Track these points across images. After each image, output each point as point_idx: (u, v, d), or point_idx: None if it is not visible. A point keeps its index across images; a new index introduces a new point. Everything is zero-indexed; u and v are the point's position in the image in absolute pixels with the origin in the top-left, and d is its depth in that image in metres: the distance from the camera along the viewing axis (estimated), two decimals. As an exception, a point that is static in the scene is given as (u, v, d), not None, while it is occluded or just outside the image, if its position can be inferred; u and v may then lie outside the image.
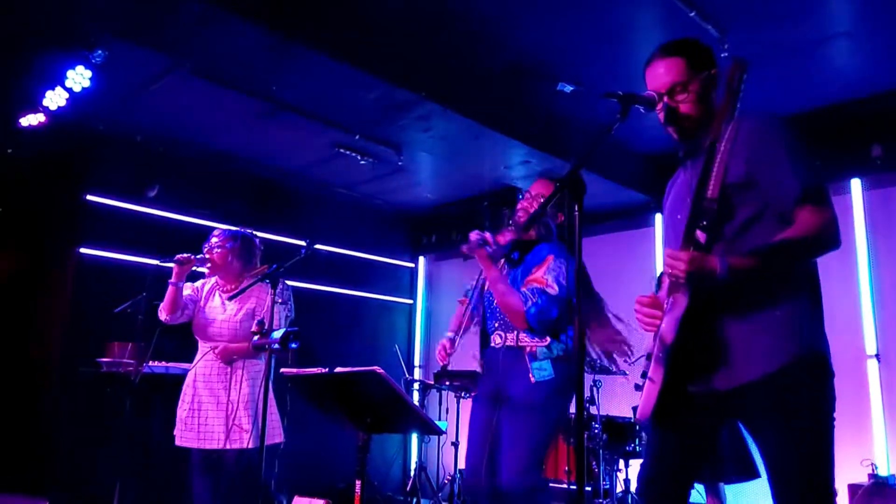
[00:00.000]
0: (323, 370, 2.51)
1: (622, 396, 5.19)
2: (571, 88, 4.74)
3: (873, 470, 4.38)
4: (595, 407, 4.92)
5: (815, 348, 1.83)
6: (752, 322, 1.83)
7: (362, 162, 5.71)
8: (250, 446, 3.43)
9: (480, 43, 4.34)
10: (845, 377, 4.66)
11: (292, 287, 3.91)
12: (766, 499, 1.83)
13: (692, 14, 3.76)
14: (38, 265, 5.25)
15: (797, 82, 4.62)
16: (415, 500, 5.71)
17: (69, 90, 4.13)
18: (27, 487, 3.67)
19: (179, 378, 4.67)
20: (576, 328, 1.75)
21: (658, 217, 6.10)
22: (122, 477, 4.07)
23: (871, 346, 4.88)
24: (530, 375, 2.82)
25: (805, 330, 1.83)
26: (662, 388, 1.85)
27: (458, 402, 5.64)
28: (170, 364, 4.57)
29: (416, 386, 6.40)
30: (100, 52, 4.00)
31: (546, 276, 2.84)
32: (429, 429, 2.64)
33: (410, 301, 7.90)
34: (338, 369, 2.45)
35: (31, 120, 4.41)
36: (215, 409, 3.51)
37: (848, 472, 4.39)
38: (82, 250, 5.18)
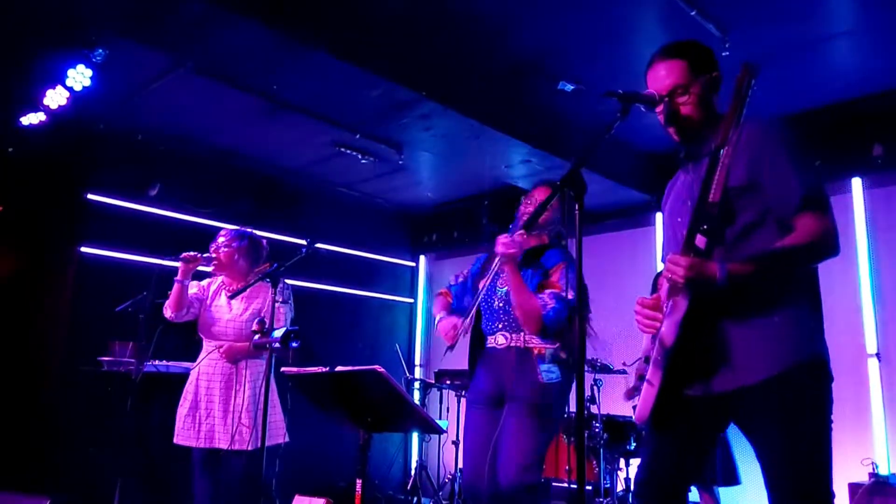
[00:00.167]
0: (324, 369, 2.51)
1: (622, 396, 5.19)
2: (572, 87, 4.74)
3: (874, 469, 4.38)
4: (596, 406, 4.93)
5: (815, 353, 1.83)
6: (752, 326, 1.83)
7: (363, 161, 5.71)
8: (251, 448, 3.44)
9: (481, 42, 4.34)
10: (846, 376, 4.72)
11: (293, 286, 3.91)
12: (760, 499, 1.84)
13: (693, 13, 3.76)
14: (38, 264, 5.25)
15: (798, 81, 4.62)
16: (415, 498, 5.71)
17: (70, 89, 4.13)
18: (28, 486, 3.67)
19: (180, 377, 4.67)
20: (577, 328, 1.75)
21: (659, 216, 6.10)
22: (123, 476, 4.08)
23: (871, 345, 4.88)
24: (539, 376, 2.83)
25: (805, 335, 1.84)
26: (660, 391, 1.85)
27: (458, 401, 5.64)
28: (171, 363, 4.58)
29: (416, 385, 6.40)
30: (100, 51, 4.00)
31: (561, 281, 2.87)
32: (429, 428, 2.64)
33: (411, 300, 7.90)
34: (338, 368, 2.45)
35: (32, 119, 4.41)
36: (217, 408, 3.52)
37: (848, 471, 4.39)
38: (83, 249, 5.18)
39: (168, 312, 3.65)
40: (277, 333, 3.34)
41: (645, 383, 1.90)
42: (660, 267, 2.15)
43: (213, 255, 3.70)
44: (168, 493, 4.45)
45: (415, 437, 7.20)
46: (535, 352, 2.87)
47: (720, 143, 1.81)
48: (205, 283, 3.83)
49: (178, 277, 3.58)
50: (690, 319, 1.80)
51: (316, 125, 5.14)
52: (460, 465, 5.46)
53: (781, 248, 1.80)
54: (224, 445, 3.45)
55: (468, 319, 2.95)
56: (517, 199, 3.18)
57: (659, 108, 2.02)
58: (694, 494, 4.50)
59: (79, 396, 4.68)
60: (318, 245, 3.46)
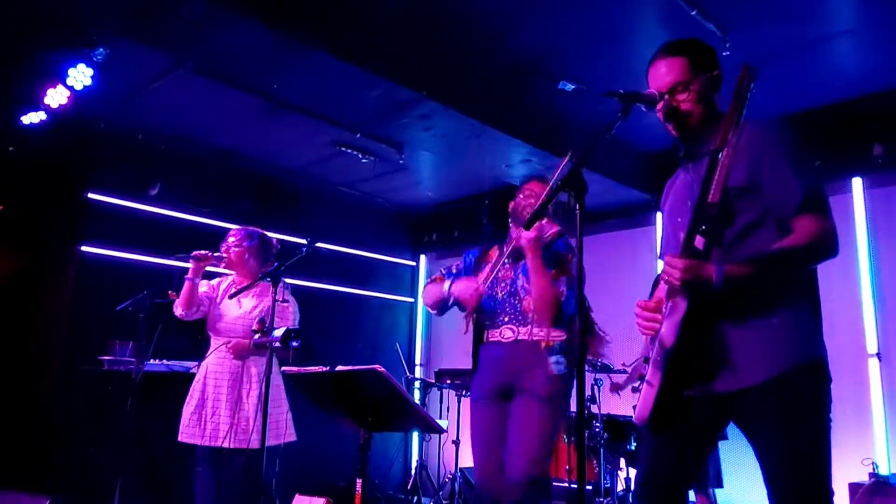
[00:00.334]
0: (324, 368, 2.51)
1: (623, 395, 5.19)
2: (573, 87, 4.73)
3: (874, 469, 4.38)
4: (596, 406, 4.93)
5: (814, 355, 1.84)
6: (751, 328, 1.84)
7: (363, 160, 5.71)
8: (256, 447, 3.44)
9: (482, 42, 4.34)
10: (846, 376, 4.71)
11: (292, 285, 3.92)
12: (757, 499, 1.84)
13: (693, 13, 3.76)
14: (39, 263, 5.25)
15: (798, 81, 4.61)
16: (416, 498, 5.71)
17: (70, 88, 4.13)
18: (28, 485, 3.67)
19: (181, 376, 4.68)
20: (577, 327, 1.76)
21: (659, 216, 6.10)
22: (124, 475, 4.08)
23: (871, 345, 4.87)
24: (549, 368, 2.82)
25: (804, 337, 1.84)
26: (660, 392, 1.85)
27: (458, 401, 5.65)
28: (171, 362, 4.58)
29: (416, 384, 6.40)
30: (101, 50, 4.00)
31: (573, 269, 2.87)
32: (430, 427, 2.64)
33: (411, 299, 7.89)
34: (339, 368, 2.46)
35: (33, 118, 4.41)
36: (224, 407, 3.52)
37: (848, 471, 4.39)
38: (83, 248, 5.18)
39: (178, 311, 3.67)
40: (278, 332, 3.35)
41: (644, 384, 1.90)
42: (660, 266, 2.16)
43: (224, 255, 3.73)
44: (168, 492, 4.45)
45: (415, 436, 7.20)
46: (543, 344, 2.85)
47: (719, 144, 1.81)
48: (215, 281, 3.86)
49: (189, 276, 3.61)
50: (689, 321, 1.80)
51: (316, 125, 5.14)
52: (461, 464, 5.46)
53: (780, 250, 1.80)
54: (229, 444, 3.45)
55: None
56: (513, 197, 3.17)
57: (659, 106, 2.02)
58: (692, 496, 4.51)
59: (79, 396, 4.68)
60: (319, 244, 3.47)
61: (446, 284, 3.08)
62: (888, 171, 4.88)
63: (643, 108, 2.01)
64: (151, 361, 4.45)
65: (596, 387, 4.96)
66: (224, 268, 3.79)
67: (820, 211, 1.82)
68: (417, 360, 7.70)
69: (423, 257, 8.04)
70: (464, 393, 5.61)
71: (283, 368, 2.70)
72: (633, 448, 4.87)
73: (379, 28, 4.13)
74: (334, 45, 3.95)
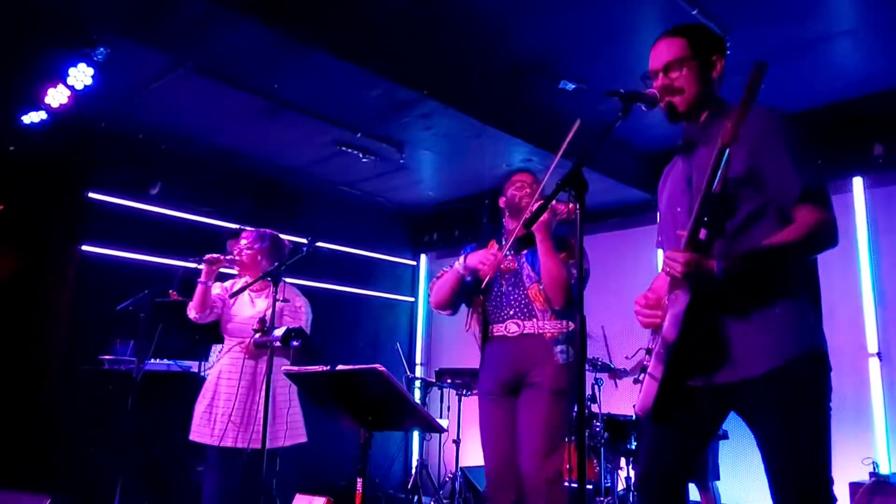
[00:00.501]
0: (324, 368, 2.52)
1: (623, 395, 5.19)
2: (573, 87, 4.74)
3: (874, 468, 4.38)
4: (596, 405, 4.93)
5: (815, 345, 1.84)
6: (752, 320, 1.84)
7: (364, 160, 5.71)
8: (269, 447, 3.46)
9: (482, 41, 4.34)
10: (847, 375, 4.72)
11: (294, 285, 3.93)
12: (758, 494, 1.84)
13: (694, 12, 3.76)
14: (39, 263, 5.25)
15: (799, 81, 4.61)
16: (416, 497, 5.71)
17: (71, 88, 4.14)
18: (29, 485, 3.67)
19: (181, 376, 4.69)
20: (578, 327, 1.76)
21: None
22: (124, 475, 4.08)
23: (872, 345, 4.87)
24: (557, 358, 2.80)
25: (805, 328, 1.85)
26: (662, 384, 1.86)
27: (459, 400, 5.64)
28: (171, 362, 4.58)
29: (417, 384, 6.40)
30: (102, 49, 4.00)
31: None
32: (430, 426, 2.64)
33: (412, 299, 7.90)
34: (339, 367, 2.45)
35: (33, 117, 4.42)
36: (236, 407, 3.52)
37: (849, 471, 4.39)
38: (84, 248, 5.19)
39: (192, 313, 3.67)
40: (278, 332, 3.35)
41: (647, 376, 1.91)
42: (660, 261, 2.16)
43: (236, 257, 3.74)
44: (168, 492, 4.46)
45: (415, 435, 7.21)
46: (548, 335, 2.85)
47: (729, 139, 1.76)
48: (228, 283, 3.86)
49: (202, 279, 3.62)
50: (692, 313, 1.80)
51: (316, 124, 5.14)
52: (461, 463, 5.46)
53: (781, 241, 1.80)
54: (240, 444, 3.45)
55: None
56: (500, 193, 3.14)
57: (655, 83, 2.01)
58: (694, 494, 4.51)
59: (79, 395, 4.68)
60: (319, 244, 3.47)
61: (460, 259, 3.01)
62: (889, 170, 4.88)
63: (643, 108, 2.01)
64: (152, 361, 4.45)
65: (596, 386, 4.96)
66: (238, 270, 3.79)
67: (820, 201, 1.82)
68: (418, 360, 7.70)
69: (423, 257, 8.04)
70: (464, 392, 5.61)
71: (284, 368, 2.70)
72: (633, 447, 4.87)
73: (379, 28, 4.13)
74: (334, 45, 3.95)
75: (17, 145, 4.87)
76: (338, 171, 6.25)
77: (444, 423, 5.64)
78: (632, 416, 4.97)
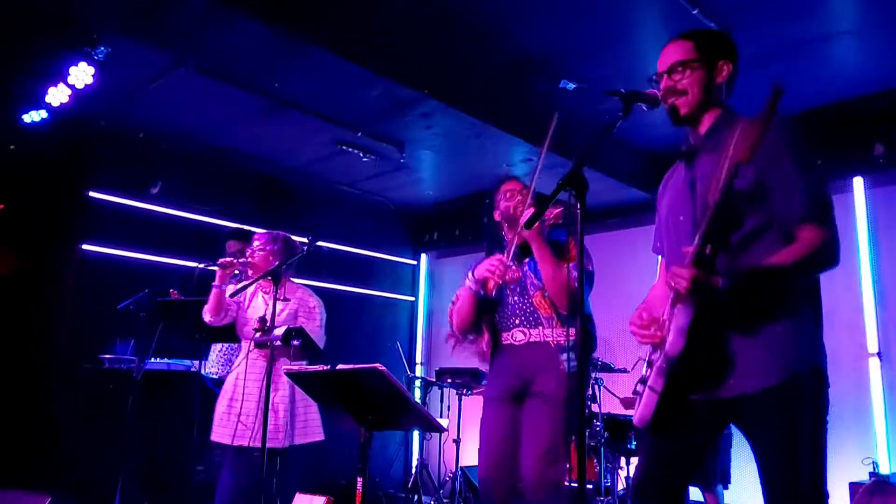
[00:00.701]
0: (325, 367, 2.52)
1: (624, 394, 5.19)
2: (574, 86, 4.73)
3: (874, 468, 4.38)
4: (597, 405, 4.93)
5: (815, 363, 1.85)
6: (754, 335, 1.84)
7: (364, 159, 5.71)
8: (285, 446, 3.50)
9: (483, 40, 4.34)
10: (847, 375, 4.72)
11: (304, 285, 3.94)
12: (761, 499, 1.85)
13: (695, 11, 3.76)
14: (39, 262, 5.25)
15: (799, 80, 4.61)
16: (416, 497, 5.72)
17: (72, 87, 4.13)
18: (29, 484, 3.67)
19: (181, 375, 4.69)
20: (578, 326, 1.76)
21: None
22: (124, 474, 4.09)
23: (872, 345, 4.88)
24: (563, 367, 2.80)
25: (805, 345, 1.85)
26: (662, 397, 1.86)
27: (459, 400, 5.65)
28: (172, 361, 4.58)
29: (417, 383, 6.40)
30: (102, 48, 4.00)
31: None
32: (430, 426, 2.65)
33: (412, 298, 7.90)
34: (340, 366, 2.46)
35: (34, 116, 4.41)
36: (254, 407, 3.53)
37: (849, 471, 4.39)
38: (84, 247, 5.19)
39: (207, 317, 3.68)
40: (278, 331, 3.37)
41: (646, 388, 1.91)
42: (658, 265, 2.16)
43: (249, 259, 3.75)
44: (168, 492, 4.46)
45: (416, 435, 7.21)
46: (553, 343, 2.85)
47: (743, 158, 1.70)
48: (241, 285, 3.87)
49: (216, 283, 3.63)
50: (695, 327, 1.80)
51: (317, 124, 5.14)
52: (461, 463, 5.46)
53: (782, 261, 1.80)
54: (258, 444, 3.47)
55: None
56: (493, 207, 3.12)
57: (661, 85, 2.01)
58: (697, 495, 4.51)
59: (80, 394, 4.68)
60: (320, 243, 3.47)
61: (468, 275, 2.99)
62: (889, 170, 4.88)
63: (644, 108, 2.00)
64: (152, 360, 4.45)
65: (597, 386, 4.96)
66: (251, 272, 3.80)
67: (823, 221, 1.82)
68: (418, 359, 7.71)
69: (423, 256, 8.05)
70: (464, 392, 5.61)
71: (284, 368, 2.71)
72: (633, 447, 4.87)
73: (380, 27, 4.13)
74: (335, 44, 3.95)
75: (18, 144, 4.87)
76: (338, 170, 6.25)
77: (444, 422, 5.64)
78: (631, 416, 4.97)
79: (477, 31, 4.23)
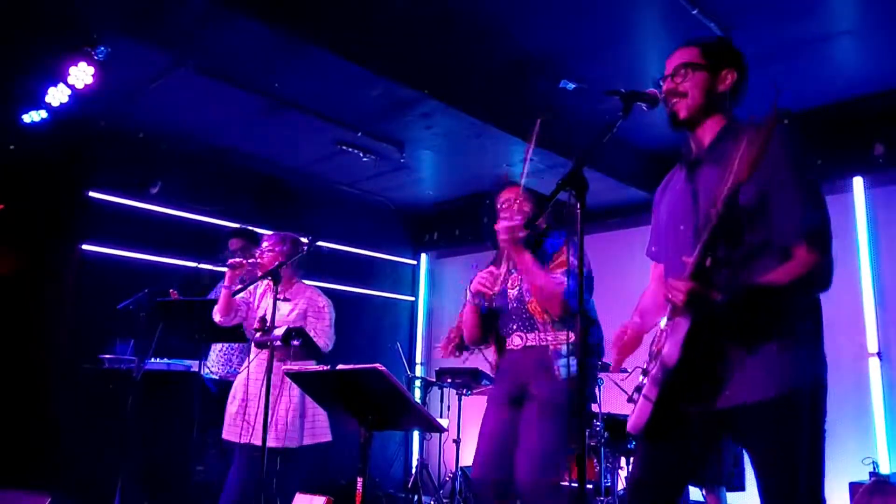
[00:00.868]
0: (325, 367, 2.52)
1: (624, 394, 5.18)
2: (574, 86, 4.73)
3: (874, 468, 4.38)
4: (596, 404, 4.93)
5: (813, 379, 1.84)
6: (752, 346, 1.83)
7: (364, 159, 5.71)
8: (295, 446, 3.53)
9: (483, 40, 4.34)
10: (847, 375, 4.71)
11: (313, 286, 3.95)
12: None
13: (695, 12, 3.75)
14: (39, 262, 5.25)
15: (799, 80, 4.61)
16: (416, 497, 5.72)
17: (72, 87, 4.13)
18: (29, 484, 3.67)
19: (181, 375, 4.69)
20: (578, 327, 1.76)
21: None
22: (124, 474, 4.08)
23: (872, 344, 4.88)
24: (557, 373, 2.80)
25: (803, 363, 1.84)
26: (656, 406, 1.87)
27: (459, 400, 5.65)
28: (171, 361, 4.58)
29: (417, 383, 6.40)
30: (102, 48, 4.00)
31: (571, 259, 2.82)
32: (430, 426, 2.65)
33: (412, 298, 7.90)
34: (340, 366, 2.46)
35: (34, 116, 4.41)
36: (260, 407, 3.55)
37: (849, 471, 4.39)
38: (84, 247, 5.19)
39: (217, 317, 3.70)
40: (278, 331, 3.37)
41: (641, 397, 1.91)
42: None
43: (258, 260, 3.77)
44: (169, 492, 4.46)
45: (416, 435, 7.21)
46: (551, 348, 2.84)
47: (743, 177, 1.68)
48: (251, 286, 3.87)
49: (226, 284, 3.65)
50: (692, 340, 1.80)
51: (317, 123, 5.14)
52: (461, 463, 5.46)
53: (775, 281, 1.80)
54: (269, 444, 3.49)
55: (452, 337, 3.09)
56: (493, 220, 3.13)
57: (664, 87, 2.01)
58: (697, 495, 4.51)
59: (80, 394, 4.68)
60: (320, 243, 3.48)
61: (467, 295, 3.03)
62: (889, 170, 4.88)
63: (644, 107, 2.00)
64: (152, 360, 4.45)
65: (597, 386, 4.96)
66: (260, 273, 3.81)
67: (819, 243, 1.81)
68: (418, 359, 7.71)
69: (424, 256, 8.05)
70: (464, 392, 5.61)
71: (284, 368, 2.71)
72: (633, 447, 4.87)
73: (380, 27, 4.13)
74: (335, 44, 3.95)
75: (18, 144, 4.87)
76: (338, 170, 6.25)
77: (444, 422, 5.64)
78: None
79: (477, 31, 4.23)
